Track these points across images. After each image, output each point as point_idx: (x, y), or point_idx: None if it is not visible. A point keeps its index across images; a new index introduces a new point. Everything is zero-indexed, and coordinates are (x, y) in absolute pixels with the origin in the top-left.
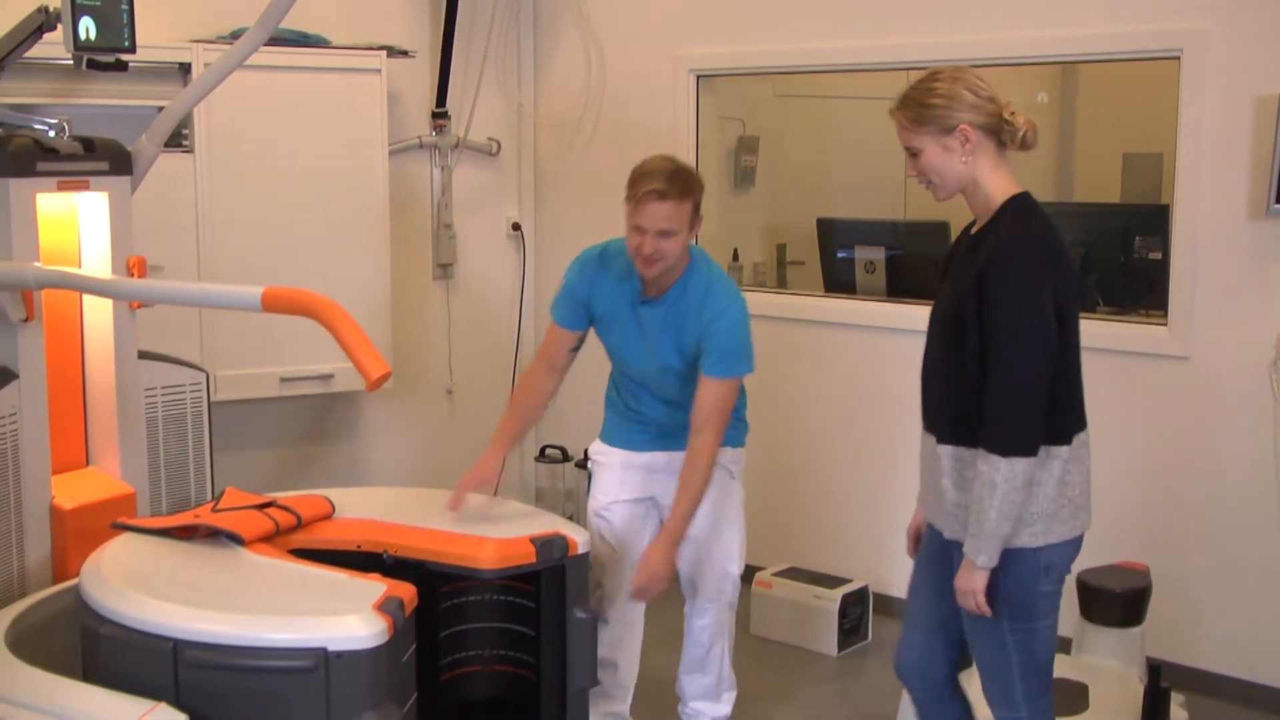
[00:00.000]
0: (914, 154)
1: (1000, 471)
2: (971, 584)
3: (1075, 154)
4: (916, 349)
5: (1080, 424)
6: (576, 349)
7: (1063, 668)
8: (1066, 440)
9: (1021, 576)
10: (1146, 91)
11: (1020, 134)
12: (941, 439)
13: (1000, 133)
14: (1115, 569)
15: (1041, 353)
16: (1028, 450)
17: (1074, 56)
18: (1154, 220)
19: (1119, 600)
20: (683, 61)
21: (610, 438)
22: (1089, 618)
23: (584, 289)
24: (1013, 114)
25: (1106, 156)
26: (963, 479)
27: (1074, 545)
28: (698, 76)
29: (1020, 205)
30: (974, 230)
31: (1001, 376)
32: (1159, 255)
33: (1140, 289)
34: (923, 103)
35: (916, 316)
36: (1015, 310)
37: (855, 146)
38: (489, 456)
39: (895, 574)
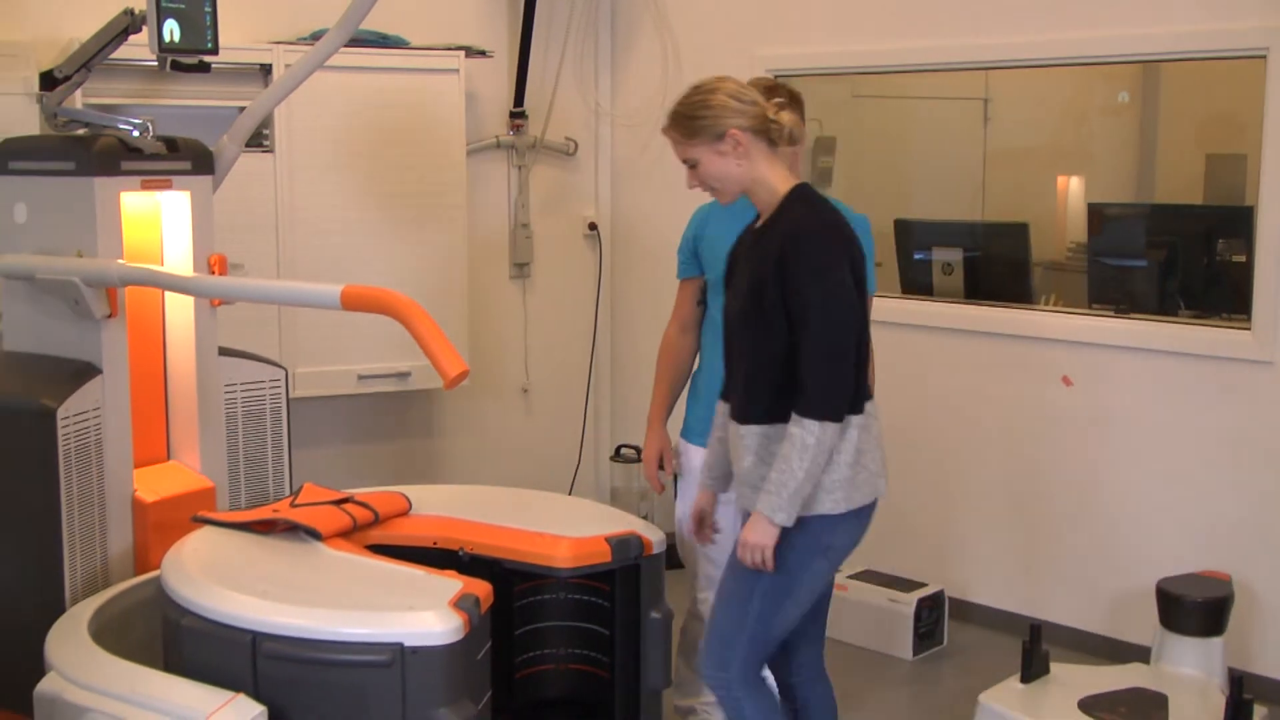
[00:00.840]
0: (692, 165)
1: (814, 435)
2: (763, 539)
3: (1157, 154)
4: (995, 352)
5: (868, 392)
6: (703, 301)
7: (1141, 677)
8: (859, 409)
9: (812, 537)
10: (1231, 91)
11: (786, 131)
12: (746, 420)
13: (769, 132)
14: (1196, 577)
15: (850, 321)
16: (839, 415)
17: (1156, 55)
18: (1238, 222)
19: (1200, 609)
20: (760, 61)
21: (691, 434)
22: (1169, 626)
23: (692, 231)
24: (777, 113)
25: (1189, 157)
26: (769, 453)
27: (868, 512)
28: (775, 76)
29: (806, 193)
30: (758, 225)
31: (814, 348)
32: (1243, 258)
33: (1223, 292)
34: (691, 116)
35: (994, 319)
36: (823, 285)
37: (933, 147)
38: (656, 432)
39: (972, 579)
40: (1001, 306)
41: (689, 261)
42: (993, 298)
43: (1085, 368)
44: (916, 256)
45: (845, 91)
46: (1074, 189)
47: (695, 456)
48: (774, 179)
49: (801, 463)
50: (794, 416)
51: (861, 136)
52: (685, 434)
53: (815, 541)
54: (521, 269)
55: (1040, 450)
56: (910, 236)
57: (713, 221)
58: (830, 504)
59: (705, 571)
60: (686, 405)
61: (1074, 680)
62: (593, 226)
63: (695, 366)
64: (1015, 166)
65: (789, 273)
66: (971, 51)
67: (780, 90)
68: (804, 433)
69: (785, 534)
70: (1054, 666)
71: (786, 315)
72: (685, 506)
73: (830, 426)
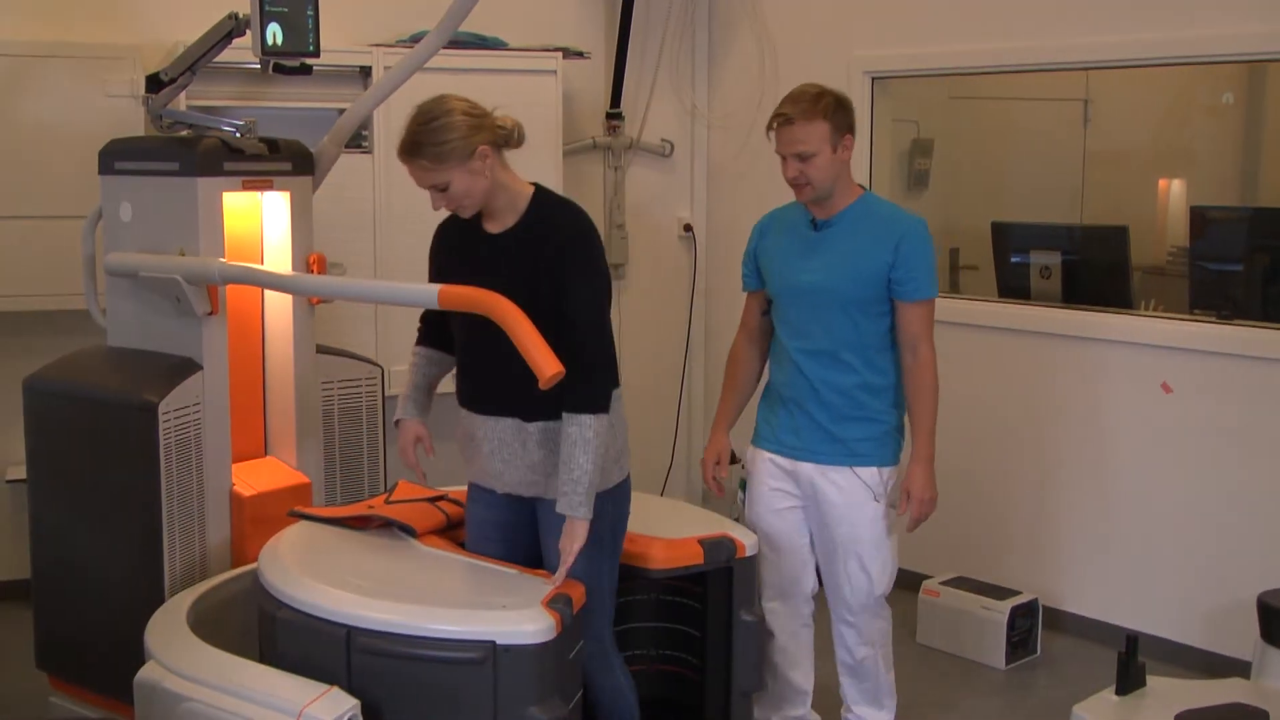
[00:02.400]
0: (442, 189)
1: (593, 428)
2: (580, 539)
3: (1262, 156)
4: (1093, 357)
5: None
6: (768, 312)
7: (1241, 692)
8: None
9: (620, 503)
10: None
11: (512, 134)
12: (531, 417)
13: (502, 140)
14: None
15: (610, 322)
16: (609, 405)
17: (1262, 55)
18: None
19: None
20: (857, 63)
21: (760, 439)
22: (1271, 641)
23: (754, 242)
24: (503, 119)
25: None
26: (554, 444)
27: None
28: (873, 79)
29: (552, 196)
30: (503, 227)
31: (593, 347)
32: None
33: None
34: (439, 142)
35: (1093, 324)
36: (598, 290)
37: (1031, 148)
38: (717, 436)
39: (1066, 588)
40: (1100, 311)
41: (752, 274)
42: (1091, 302)
43: (1186, 375)
44: (1014, 259)
45: (942, 93)
46: (1175, 192)
47: (760, 463)
48: (513, 182)
49: (589, 456)
50: (570, 415)
51: (959, 138)
52: (756, 440)
53: (624, 498)
54: (616, 270)
55: (1137, 458)
56: (1007, 239)
57: (770, 234)
58: (619, 471)
59: (771, 581)
60: (758, 412)
61: (1171, 694)
62: (688, 228)
63: (765, 375)
64: (1115, 168)
65: (569, 275)
66: (1071, 52)
67: (827, 96)
68: (582, 429)
69: (603, 510)
70: (1150, 679)
71: (558, 315)
72: (756, 512)
73: (603, 417)
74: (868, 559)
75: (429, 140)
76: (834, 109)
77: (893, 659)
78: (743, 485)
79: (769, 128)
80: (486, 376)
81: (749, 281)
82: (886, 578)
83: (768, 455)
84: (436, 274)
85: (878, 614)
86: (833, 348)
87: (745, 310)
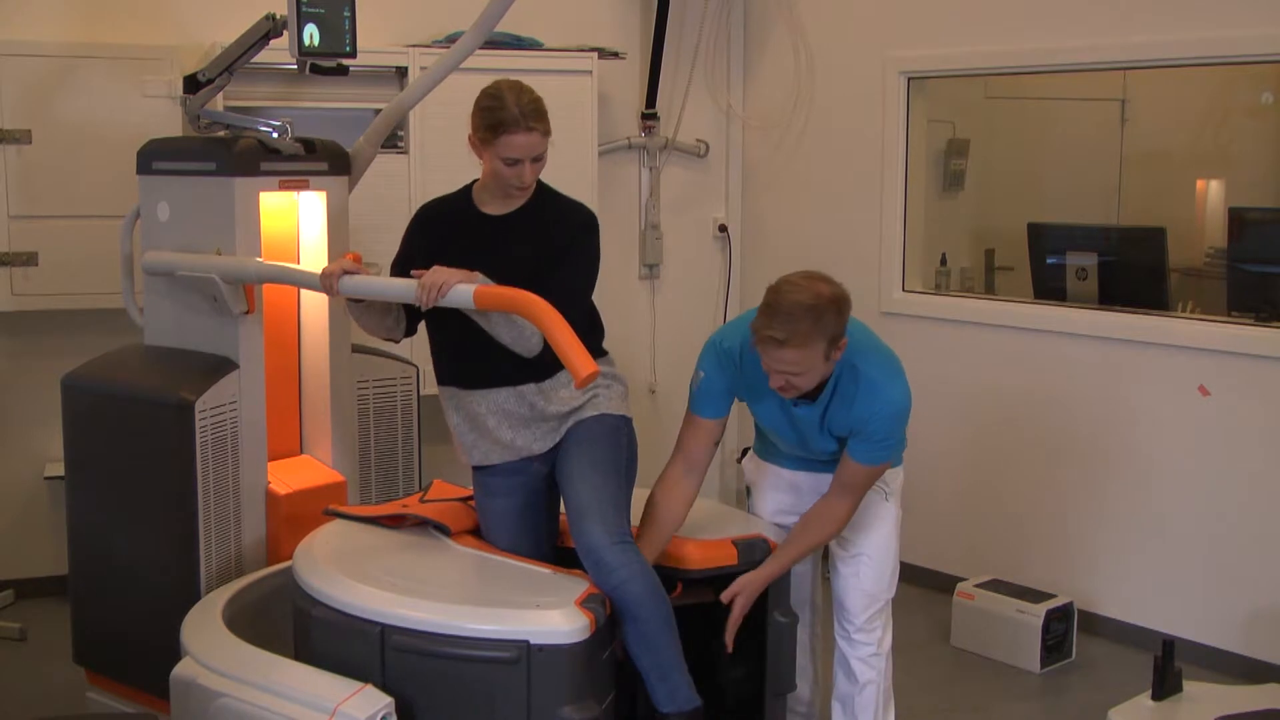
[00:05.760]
0: (539, 159)
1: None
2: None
3: None
4: (1129, 359)
5: None
6: (719, 439)
7: (1279, 698)
8: None
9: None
10: None
11: None
12: (518, 382)
13: None
14: None
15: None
16: None
17: None
18: None
19: None
20: (893, 63)
21: (761, 451)
22: None
23: (727, 382)
24: None
25: None
26: (548, 396)
27: None
28: (909, 79)
29: (547, 185)
30: (496, 209)
31: (577, 317)
32: None
33: None
34: (545, 110)
35: (1129, 326)
36: (595, 265)
37: (1068, 149)
38: None
39: (1102, 591)
40: (1137, 313)
41: (722, 402)
42: (1128, 304)
43: (1223, 377)
44: (1050, 261)
45: (978, 93)
46: (1214, 192)
47: (762, 473)
48: None
49: None
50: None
51: (995, 138)
52: (755, 446)
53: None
54: (651, 269)
55: (1174, 461)
56: (1044, 240)
57: (741, 382)
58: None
59: None
60: (756, 433)
61: (1208, 699)
62: (723, 228)
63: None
64: (1153, 169)
65: (574, 254)
66: (1108, 51)
67: (822, 308)
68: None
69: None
70: (1187, 684)
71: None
72: (758, 520)
73: None
74: (878, 558)
75: (541, 108)
76: (832, 321)
77: (893, 705)
78: (749, 490)
79: (754, 342)
80: (481, 356)
81: (718, 409)
82: (892, 578)
83: (770, 465)
84: (425, 260)
85: (879, 633)
86: (825, 460)
87: (694, 438)
